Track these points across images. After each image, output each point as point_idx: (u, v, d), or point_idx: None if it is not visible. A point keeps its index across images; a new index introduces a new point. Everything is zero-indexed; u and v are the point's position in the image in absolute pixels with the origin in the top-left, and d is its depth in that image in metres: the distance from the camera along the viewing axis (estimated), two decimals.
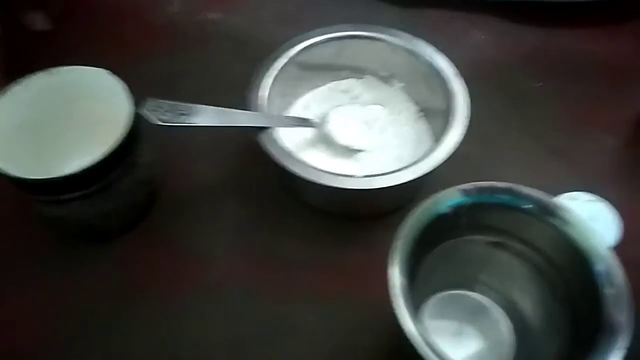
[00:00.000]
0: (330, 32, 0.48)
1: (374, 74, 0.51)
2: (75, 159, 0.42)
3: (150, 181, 0.46)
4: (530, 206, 0.33)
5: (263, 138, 0.42)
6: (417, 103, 0.51)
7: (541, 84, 0.56)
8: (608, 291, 0.30)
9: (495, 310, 0.39)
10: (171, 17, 0.60)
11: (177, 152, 0.50)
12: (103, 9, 0.62)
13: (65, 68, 0.43)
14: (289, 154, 0.41)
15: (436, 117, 0.47)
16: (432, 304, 0.40)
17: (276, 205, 0.47)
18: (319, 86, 0.52)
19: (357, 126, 0.49)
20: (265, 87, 0.46)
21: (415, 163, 0.41)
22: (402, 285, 0.30)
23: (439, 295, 0.40)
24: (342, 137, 0.47)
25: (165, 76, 0.54)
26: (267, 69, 0.46)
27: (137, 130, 0.42)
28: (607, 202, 0.43)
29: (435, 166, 0.41)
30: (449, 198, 0.33)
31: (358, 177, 0.40)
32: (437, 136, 0.45)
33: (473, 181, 0.46)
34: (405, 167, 0.41)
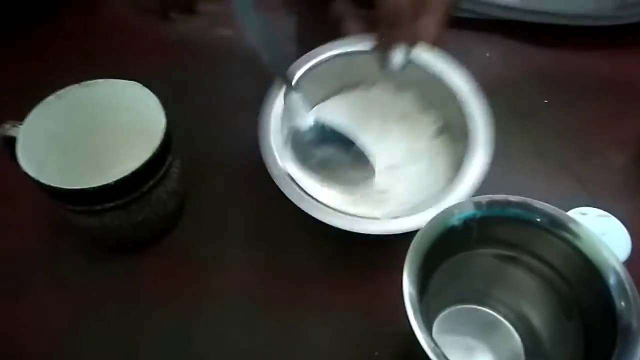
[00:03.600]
0: (339, 48, 0.48)
1: (386, 87, 0.51)
2: (107, 169, 0.43)
3: (179, 192, 0.46)
4: (542, 220, 0.33)
5: (278, 178, 0.42)
6: (431, 116, 0.50)
7: (547, 101, 0.56)
8: (621, 304, 0.30)
9: (506, 326, 0.39)
10: (184, 34, 0.61)
11: (199, 164, 0.50)
12: (116, 23, 0.63)
13: (99, 81, 0.44)
14: (304, 196, 0.41)
15: (452, 131, 0.47)
16: (442, 318, 0.39)
17: (285, 226, 0.47)
18: (329, 98, 0.51)
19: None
20: (277, 106, 0.45)
21: (439, 199, 0.40)
22: (414, 297, 0.30)
23: (450, 309, 0.40)
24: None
25: (177, 91, 0.54)
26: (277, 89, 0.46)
27: (170, 142, 0.42)
28: (616, 217, 0.43)
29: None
30: (461, 211, 0.33)
31: (382, 220, 0.40)
32: (453, 150, 0.44)
33: (479, 192, 0.47)
34: (430, 206, 0.40)
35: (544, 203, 0.34)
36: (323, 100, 0.52)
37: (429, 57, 0.47)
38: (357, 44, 0.48)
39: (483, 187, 0.44)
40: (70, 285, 0.45)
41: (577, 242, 0.32)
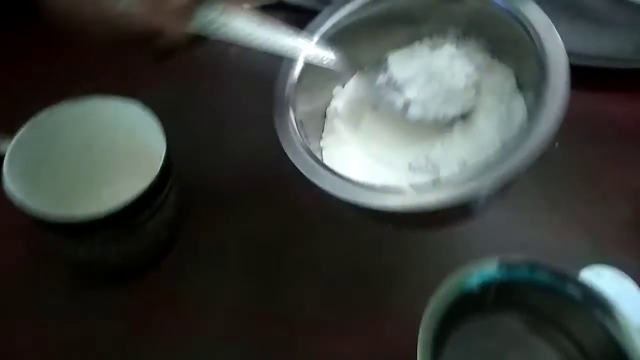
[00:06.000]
0: None
1: (441, 33, 0.42)
2: (101, 190, 0.41)
3: (174, 222, 0.44)
4: (575, 292, 0.31)
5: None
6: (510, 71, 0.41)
7: (557, 144, 0.54)
8: None
9: None
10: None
11: (195, 189, 0.47)
12: None
13: (94, 97, 0.42)
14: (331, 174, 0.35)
15: (529, 90, 0.39)
16: None
17: (287, 260, 0.45)
18: (366, 64, 0.43)
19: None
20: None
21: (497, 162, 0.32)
22: None
23: None
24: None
25: (178, 107, 0.52)
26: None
27: (169, 172, 0.40)
28: (631, 278, 0.41)
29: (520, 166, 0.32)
30: (481, 272, 0.31)
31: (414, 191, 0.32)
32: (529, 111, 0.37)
33: (488, 242, 0.45)
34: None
35: (577, 273, 0.32)
36: (364, 64, 0.43)
37: None
38: None
39: (488, 235, 0.42)
40: (50, 318, 0.42)
41: (612, 328, 0.30)
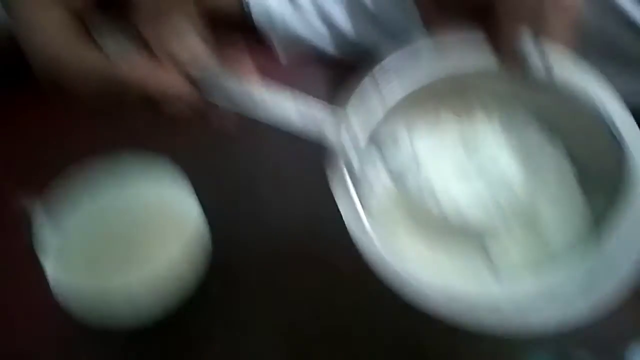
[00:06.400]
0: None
1: (495, 108, 0.35)
2: (133, 258, 0.40)
3: (205, 285, 0.42)
4: None
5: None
6: (570, 160, 0.35)
7: None
8: None
9: None
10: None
11: (229, 249, 0.45)
12: None
13: (124, 155, 0.41)
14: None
15: (595, 185, 0.34)
16: None
17: (318, 330, 0.42)
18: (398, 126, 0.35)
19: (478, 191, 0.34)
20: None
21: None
22: None
23: None
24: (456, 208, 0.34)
25: (210, 165, 0.51)
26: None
27: (204, 245, 0.39)
28: None
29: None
30: None
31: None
32: (597, 213, 0.33)
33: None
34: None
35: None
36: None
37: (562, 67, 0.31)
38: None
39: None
40: None
41: None
